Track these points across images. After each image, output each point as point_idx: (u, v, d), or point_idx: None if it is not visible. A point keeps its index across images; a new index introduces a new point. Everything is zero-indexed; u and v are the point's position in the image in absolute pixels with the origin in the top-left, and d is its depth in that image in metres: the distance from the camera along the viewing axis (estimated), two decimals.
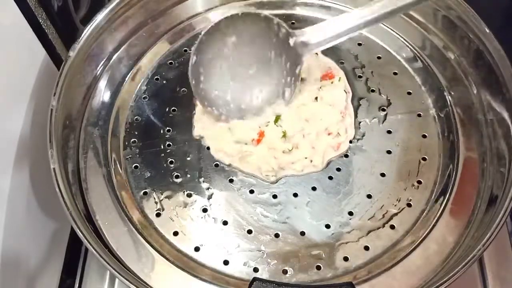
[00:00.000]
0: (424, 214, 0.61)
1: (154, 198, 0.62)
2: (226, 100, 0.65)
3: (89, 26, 0.68)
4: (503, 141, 0.64)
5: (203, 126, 0.67)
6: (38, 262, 0.70)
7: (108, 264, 0.52)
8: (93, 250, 0.53)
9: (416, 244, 0.58)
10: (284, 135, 0.63)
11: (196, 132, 0.67)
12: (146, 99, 0.71)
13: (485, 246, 0.53)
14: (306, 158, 0.63)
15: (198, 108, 0.68)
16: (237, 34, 0.62)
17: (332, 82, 0.68)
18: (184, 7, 0.78)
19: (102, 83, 0.71)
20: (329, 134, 0.65)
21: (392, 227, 0.60)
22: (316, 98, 0.67)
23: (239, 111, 0.65)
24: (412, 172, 0.64)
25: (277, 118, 0.65)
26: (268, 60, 0.63)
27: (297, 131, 0.64)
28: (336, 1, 0.78)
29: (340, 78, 0.69)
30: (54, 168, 0.57)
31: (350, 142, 0.66)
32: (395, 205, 0.61)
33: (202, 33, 0.62)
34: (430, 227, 0.59)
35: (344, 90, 0.68)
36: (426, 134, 0.67)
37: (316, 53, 0.70)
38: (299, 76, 0.64)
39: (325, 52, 0.72)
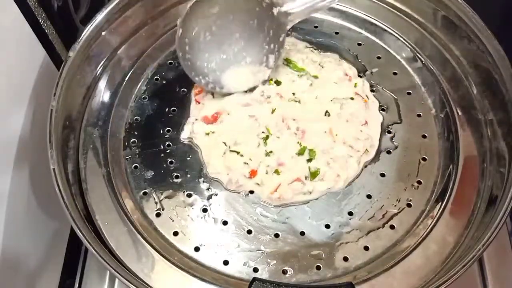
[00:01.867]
0: (424, 214, 0.61)
1: (154, 198, 0.62)
2: (211, 67, 0.67)
3: (89, 26, 0.68)
4: (503, 141, 0.64)
5: (193, 131, 0.67)
6: (38, 262, 0.70)
7: (108, 264, 0.52)
8: (93, 250, 0.53)
9: (416, 244, 0.58)
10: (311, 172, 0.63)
11: (185, 134, 0.67)
12: (146, 99, 0.71)
13: (485, 246, 0.53)
14: (328, 188, 0.62)
15: (192, 110, 0.69)
16: (220, 4, 0.64)
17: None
18: (184, 7, 0.78)
19: (102, 83, 0.71)
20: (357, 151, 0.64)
21: (392, 227, 0.60)
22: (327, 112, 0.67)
23: (225, 79, 0.68)
24: (412, 172, 0.64)
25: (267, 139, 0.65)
26: (251, 28, 0.66)
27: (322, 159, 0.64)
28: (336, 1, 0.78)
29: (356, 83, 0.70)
30: (54, 169, 0.57)
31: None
32: (395, 205, 0.61)
33: (188, 6, 0.63)
34: (430, 227, 0.59)
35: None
36: (426, 134, 0.67)
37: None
38: (283, 44, 0.67)
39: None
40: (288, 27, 0.66)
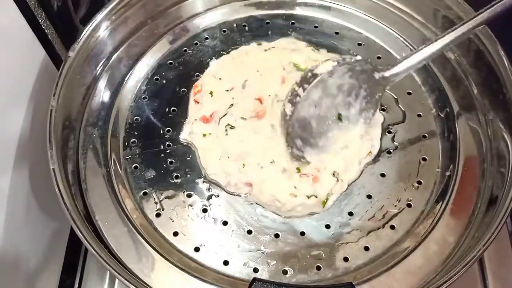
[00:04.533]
0: (424, 214, 0.61)
1: (154, 199, 0.62)
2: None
3: (88, 26, 0.68)
4: (503, 141, 0.64)
5: (192, 131, 0.67)
6: (38, 262, 0.70)
7: (108, 264, 0.52)
8: (93, 251, 0.53)
9: (416, 244, 0.58)
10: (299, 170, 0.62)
11: (184, 135, 0.67)
12: (146, 99, 0.71)
13: (485, 247, 0.53)
14: (328, 194, 0.61)
15: (191, 110, 0.68)
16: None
17: None
18: (184, 7, 0.78)
19: (102, 83, 0.71)
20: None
21: (392, 227, 0.60)
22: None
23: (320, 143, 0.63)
24: (412, 172, 0.63)
25: None
26: (350, 93, 0.63)
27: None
28: (336, 1, 0.78)
29: None
30: (53, 169, 0.57)
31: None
32: (395, 206, 0.61)
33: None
34: (430, 227, 0.59)
35: None
36: (426, 134, 0.66)
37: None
38: (378, 103, 0.65)
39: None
40: (388, 87, 0.64)
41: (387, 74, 0.63)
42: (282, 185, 0.61)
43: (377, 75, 0.63)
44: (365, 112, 0.64)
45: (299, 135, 0.62)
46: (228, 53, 0.74)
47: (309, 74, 0.61)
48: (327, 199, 0.61)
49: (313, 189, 0.61)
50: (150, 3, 0.75)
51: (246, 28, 0.77)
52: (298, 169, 0.62)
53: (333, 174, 0.62)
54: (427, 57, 0.62)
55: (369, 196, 0.62)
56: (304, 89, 0.60)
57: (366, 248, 0.58)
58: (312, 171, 0.62)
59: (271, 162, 0.62)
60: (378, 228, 0.60)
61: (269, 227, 0.60)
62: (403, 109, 0.68)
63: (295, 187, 0.60)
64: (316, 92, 0.61)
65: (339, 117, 0.63)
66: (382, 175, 0.63)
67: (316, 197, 0.60)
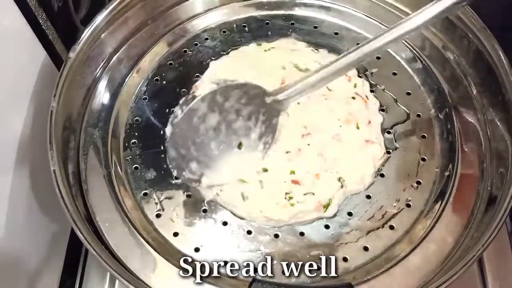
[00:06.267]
0: (423, 214, 0.61)
1: (154, 199, 0.63)
2: (202, 158, 0.62)
3: (89, 27, 0.68)
4: (502, 141, 0.64)
5: None
6: (38, 263, 0.70)
7: (108, 265, 0.53)
8: (93, 251, 0.53)
9: (416, 244, 0.58)
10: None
11: None
12: (146, 100, 0.71)
13: (484, 246, 0.53)
14: (330, 199, 0.61)
15: None
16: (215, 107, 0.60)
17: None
18: (184, 8, 0.78)
19: (102, 84, 0.71)
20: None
21: (392, 227, 0.60)
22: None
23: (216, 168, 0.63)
24: (412, 172, 0.64)
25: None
26: (243, 117, 0.62)
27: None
28: (336, 2, 0.78)
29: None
30: (54, 170, 0.57)
31: None
32: (394, 206, 0.61)
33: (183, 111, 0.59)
34: (430, 227, 0.59)
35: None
36: (426, 135, 0.67)
37: None
38: (276, 127, 0.64)
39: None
40: (283, 111, 0.64)
41: (278, 97, 0.61)
42: (269, 200, 0.61)
43: (268, 99, 0.61)
44: (264, 137, 0.63)
45: (195, 158, 0.61)
46: (228, 53, 0.74)
47: (189, 96, 0.61)
48: (328, 204, 0.61)
49: (307, 190, 0.61)
50: (150, 4, 0.76)
51: (246, 28, 0.77)
52: (293, 171, 0.62)
53: (339, 179, 0.62)
54: (323, 79, 0.60)
55: (368, 196, 0.62)
56: (182, 111, 0.59)
57: (366, 248, 0.59)
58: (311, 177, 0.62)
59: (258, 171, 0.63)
60: (377, 228, 0.60)
61: (269, 227, 0.60)
62: (402, 109, 0.68)
63: (286, 193, 0.61)
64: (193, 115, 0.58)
65: (239, 146, 0.63)
66: (381, 175, 0.64)
67: (313, 194, 0.60)
